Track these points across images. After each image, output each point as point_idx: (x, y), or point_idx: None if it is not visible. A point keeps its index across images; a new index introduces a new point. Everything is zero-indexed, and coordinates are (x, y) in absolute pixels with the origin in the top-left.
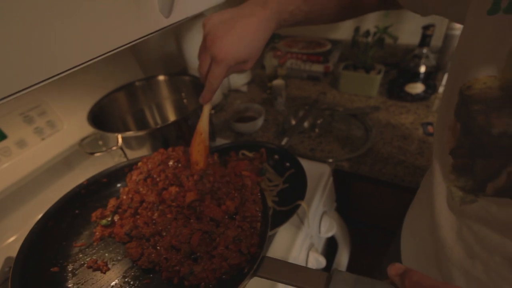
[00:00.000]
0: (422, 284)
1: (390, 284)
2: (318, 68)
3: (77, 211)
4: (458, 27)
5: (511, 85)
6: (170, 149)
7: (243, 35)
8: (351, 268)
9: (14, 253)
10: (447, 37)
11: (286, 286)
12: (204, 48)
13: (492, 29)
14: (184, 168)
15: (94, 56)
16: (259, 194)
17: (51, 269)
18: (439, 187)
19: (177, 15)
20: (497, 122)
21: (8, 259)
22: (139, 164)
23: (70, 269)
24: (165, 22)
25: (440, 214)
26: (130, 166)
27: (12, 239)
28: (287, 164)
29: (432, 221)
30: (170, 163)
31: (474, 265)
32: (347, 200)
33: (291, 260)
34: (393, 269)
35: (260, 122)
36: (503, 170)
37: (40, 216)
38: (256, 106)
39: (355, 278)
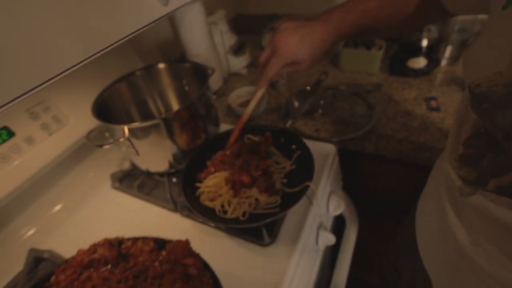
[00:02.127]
0: None
1: None
2: None
3: None
4: None
5: None
6: (91, 247)
7: (303, 40)
8: (360, 243)
9: (35, 245)
10: None
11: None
12: (271, 41)
13: (503, 24)
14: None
15: (96, 51)
16: (210, 282)
17: None
18: (444, 173)
19: (175, 3)
20: (503, 121)
21: (32, 251)
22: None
23: None
24: (164, 10)
25: (445, 199)
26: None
27: (31, 232)
28: (293, 146)
29: (440, 204)
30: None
31: (477, 252)
32: (354, 179)
33: (302, 237)
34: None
35: (263, 105)
36: (510, 171)
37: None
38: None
39: None
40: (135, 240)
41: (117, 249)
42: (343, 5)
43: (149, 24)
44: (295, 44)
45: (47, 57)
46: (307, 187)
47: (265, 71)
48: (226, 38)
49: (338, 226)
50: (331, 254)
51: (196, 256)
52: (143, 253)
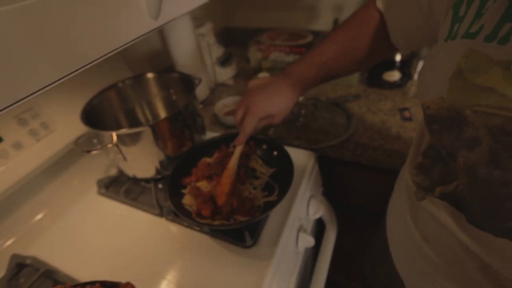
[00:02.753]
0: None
1: None
2: None
3: None
4: None
5: (455, 107)
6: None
7: (271, 96)
8: (340, 249)
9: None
10: None
11: (275, 272)
12: (241, 102)
13: (444, 54)
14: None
15: (86, 63)
16: None
17: None
18: (404, 179)
19: (165, 17)
20: (446, 141)
21: (14, 256)
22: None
23: None
24: (154, 24)
25: (405, 203)
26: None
27: (10, 241)
28: (275, 153)
29: (402, 206)
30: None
31: (428, 247)
32: (334, 185)
33: (282, 239)
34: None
35: None
36: (454, 180)
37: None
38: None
39: None
40: (83, 286)
41: None
42: (302, 59)
43: (139, 37)
44: (263, 101)
45: (37, 69)
46: (285, 192)
47: (243, 128)
48: (213, 49)
49: (319, 231)
50: (313, 258)
51: None
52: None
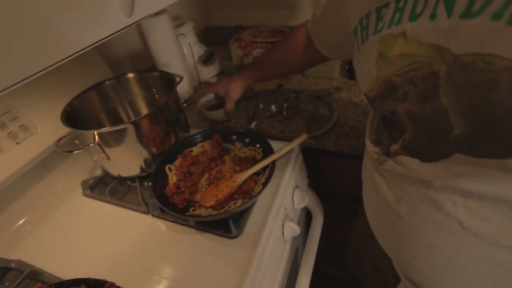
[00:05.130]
0: None
1: None
2: None
3: None
4: None
5: (385, 80)
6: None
7: (230, 84)
8: (327, 234)
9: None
10: None
11: (261, 260)
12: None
13: (365, 51)
14: None
15: (59, 59)
16: None
17: None
18: (368, 155)
19: (139, 14)
20: (388, 106)
21: None
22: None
23: None
24: (128, 21)
25: (374, 173)
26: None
27: None
28: (258, 145)
29: (372, 180)
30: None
31: (401, 206)
32: (319, 175)
33: (267, 229)
34: None
35: (220, 112)
36: (399, 138)
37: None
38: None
39: None
40: (67, 286)
41: None
42: (254, 64)
43: (113, 34)
44: (219, 83)
45: (10, 63)
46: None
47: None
48: (195, 49)
49: (307, 218)
50: (303, 249)
51: None
52: None
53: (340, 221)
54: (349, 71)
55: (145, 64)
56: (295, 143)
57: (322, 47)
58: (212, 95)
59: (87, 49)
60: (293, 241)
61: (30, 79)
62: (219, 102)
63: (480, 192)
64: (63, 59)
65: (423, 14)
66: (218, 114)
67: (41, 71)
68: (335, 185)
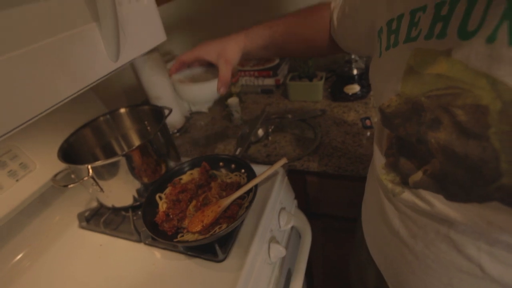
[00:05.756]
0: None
1: None
2: (269, 81)
3: None
4: None
5: (410, 98)
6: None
7: (217, 41)
8: (323, 256)
9: None
10: None
11: (247, 282)
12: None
13: (391, 60)
14: None
15: (55, 103)
16: None
17: None
18: (377, 181)
19: (124, 59)
20: (411, 130)
21: None
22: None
23: None
24: (115, 66)
25: (384, 203)
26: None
27: None
28: (243, 170)
29: (381, 209)
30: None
31: (416, 242)
32: (307, 197)
33: (252, 250)
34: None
35: (212, 94)
36: (420, 168)
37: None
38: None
39: None
40: None
41: None
42: (255, 27)
43: (102, 77)
44: (211, 43)
45: (13, 108)
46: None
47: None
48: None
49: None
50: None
51: None
52: None
53: (336, 242)
54: (332, 94)
55: (139, 97)
56: (275, 167)
57: (341, 41)
58: (187, 70)
59: (79, 92)
60: (283, 263)
61: (31, 121)
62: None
63: (509, 242)
64: (58, 103)
65: (478, 33)
66: (208, 89)
67: (38, 115)
68: (325, 206)
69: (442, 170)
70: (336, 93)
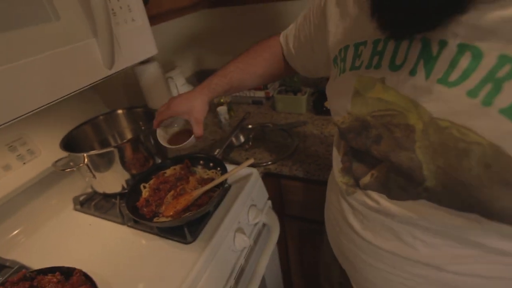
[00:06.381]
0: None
1: None
2: (260, 94)
3: None
4: None
5: (359, 117)
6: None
7: (183, 98)
8: (299, 260)
9: None
10: None
11: (206, 264)
12: (166, 103)
13: (342, 83)
14: None
15: (60, 96)
16: None
17: None
18: (336, 184)
19: (118, 66)
20: (361, 143)
21: None
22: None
23: None
24: (109, 72)
25: (341, 202)
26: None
27: None
28: (218, 168)
29: (339, 207)
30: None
31: (366, 233)
32: (282, 199)
33: (218, 236)
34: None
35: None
36: (368, 172)
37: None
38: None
39: None
40: (45, 273)
41: (30, 283)
42: (214, 76)
43: (96, 82)
44: (179, 100)
45: (22, 99)
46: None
47: (158, 114)
48: (182, 89)
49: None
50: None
51: (87, 284)
52: (51, 284)
53: (312, 244)
54: (314, 107)
55: (140, 100)
56: (243, 166)
57: (298, 67)
58: (168, 122)
59: (78, 91)
60: (250, 255)
61: (36, 110)
62: (181, 128)
63: (436, 229)
64: (58, 98)
65: (403, 68)
66: (189, 144)
67: (49, 103)
68: (299, 209)
69: (384, 175)
70: (318, 108)
